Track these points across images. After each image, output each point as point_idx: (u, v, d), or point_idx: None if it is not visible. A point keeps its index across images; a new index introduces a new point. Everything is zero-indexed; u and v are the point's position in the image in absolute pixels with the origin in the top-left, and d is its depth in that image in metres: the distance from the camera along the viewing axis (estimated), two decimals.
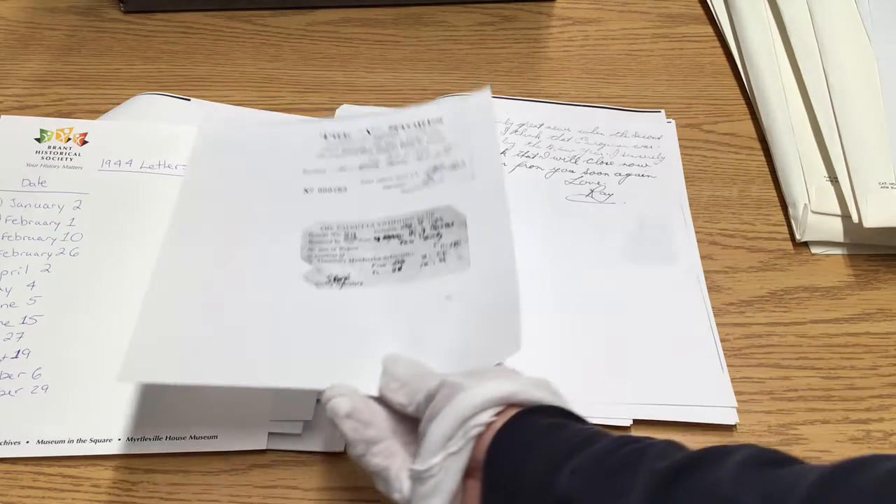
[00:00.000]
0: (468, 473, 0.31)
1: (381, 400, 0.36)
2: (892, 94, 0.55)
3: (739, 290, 0.49)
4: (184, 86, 0.60)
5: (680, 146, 0.56)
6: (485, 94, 0.52)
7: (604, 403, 0.43)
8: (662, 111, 0.59)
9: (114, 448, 0.41)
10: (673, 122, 0.58)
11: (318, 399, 0.40)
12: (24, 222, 0.50)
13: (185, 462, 0.41)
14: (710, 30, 0.67)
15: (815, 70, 0.57)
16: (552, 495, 0.28)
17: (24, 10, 0.66)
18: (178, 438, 0.41)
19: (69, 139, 0.54)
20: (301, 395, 0.43)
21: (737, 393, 0.44)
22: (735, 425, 0.43)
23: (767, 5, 0.64)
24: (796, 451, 0.42)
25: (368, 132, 0.51)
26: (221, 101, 0.59)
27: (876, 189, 0.50)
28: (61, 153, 0.53)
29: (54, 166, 0.53)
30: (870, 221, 0.49)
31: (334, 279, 0.44)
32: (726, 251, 0.51)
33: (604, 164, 0.55)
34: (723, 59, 0.64)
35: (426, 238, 0.45)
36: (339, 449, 0.42)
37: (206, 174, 0.49)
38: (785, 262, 0.51)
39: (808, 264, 0.51)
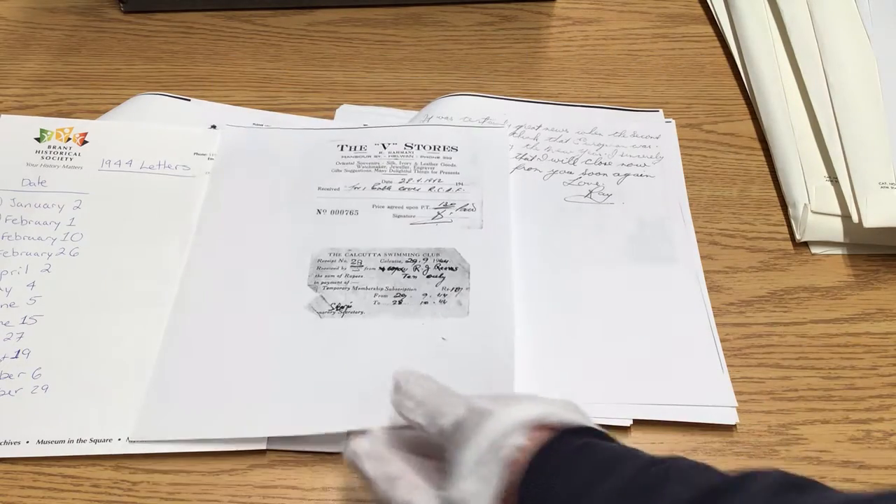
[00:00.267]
0: (502, 499, 0.30)
1: (391, 431, 0.35)
2: (892, 94, 0.55)
3: (739, 290, 0.49)
4: (184, 86, 0.60)
5: (680, 146, 0.56)
6: (501, 133, 0.54)
7: (604, 403, 0.43)
8: (661, 111, 0.59)
9: (114, 448, 0.41)
10: (672, 121, 0.58)
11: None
12: (24, 222, 0.50)
13: (185, 462, 0.41)
14: (710, 30, 0.67)
15: (815, 70, 0.57)
16: None
17: (24, 10, 0.66)
18: (178, 438, 0.41)
19: (69, 139, 0.54)
20: (299, 397, 0.43)
21: (737, 393, 0.44)
22: (735, 425, 0.43)
23: (767, 5, 0.64)
24: (796, 451, 0.42)
25: (384, 146, 0.53)
26: (221, 101, 0.59)
27: (876, 189, 0.50)
28: (61, 153, 0.53)
29: (54, 166, 0.53)
30: (870, 221, 0.49)
31: (337, 307, 0.45)
32: (726, 251, 0.51)
33: (602, 165, 0.55)
34: (723, 59, 0.64)
35: (429, 276, 0.47)
36: (339, 449, 0.42)
37: (227, 185, 0.52)
38: (785, 262, 0.51)
39: (808, 264, 0.51)
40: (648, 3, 0.69)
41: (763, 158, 0.57)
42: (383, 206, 0.51)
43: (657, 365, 0.45)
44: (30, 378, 0.43)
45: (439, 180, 0.52)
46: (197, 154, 0.54)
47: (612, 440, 0.33)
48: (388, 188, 0.52)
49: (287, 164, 0.53)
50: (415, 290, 0.47)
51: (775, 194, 0.55)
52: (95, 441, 0.41)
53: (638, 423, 0.43)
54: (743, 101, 0.61)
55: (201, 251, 0.49)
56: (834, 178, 0.52)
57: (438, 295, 0.46)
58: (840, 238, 0.51)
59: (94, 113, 0.58)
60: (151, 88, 0.60)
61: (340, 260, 0.48)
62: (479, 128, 0.56)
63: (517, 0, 0.68)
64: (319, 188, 0.52)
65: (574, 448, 0.31)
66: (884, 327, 0.48)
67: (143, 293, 0.47)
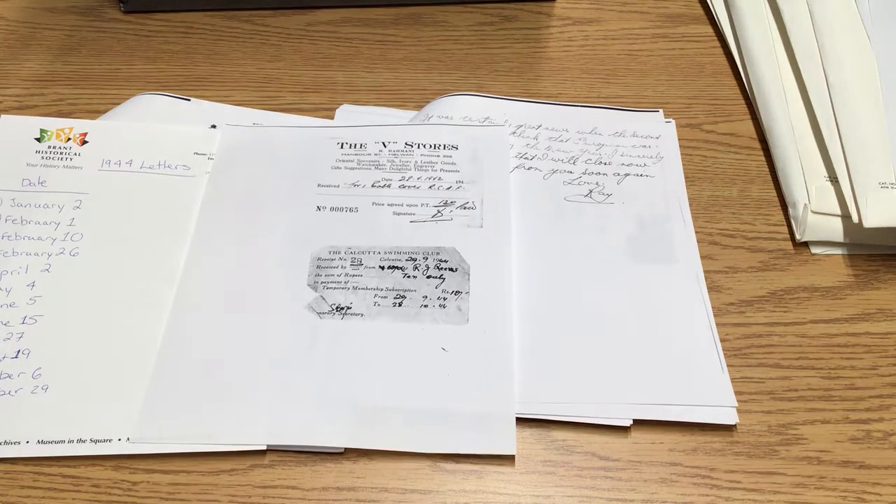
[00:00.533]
0: None
1: None
2: (892, 94, 0.55)
3: (739, 290, 0.49)
4: (184, 86, 0.60)
5: (680, 146, 0.56)
6: (502, 131, 0.54)
7: (604, 403, 0.43)
8: (661, 111, 0.59)
9: (114, 448, 0.41)
10: (672, 121, 0.58)
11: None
12: (24, 222, 0.50)
13: (185, 462, 0.41)
14: (710, 30, 0.67)
15: (815, 70, 0.57)
16: None
17: (24, 10, 0.66)
18: (178, 438, 0.41)
19: (69, 139, 0.54)
20: (299, 398, 0.43)
21: (737, 393, 0.44)
22: (735, 425, 0.43)
23: (767, 5, 0.64)
24: (796, 451, 0.42)
25: (384, 145, 0.53)
26: (221, 101, 0.59)
27: (876, 189, 0.50)
28: (61, 153, 0.53)
29: (54, 166, 0.53)
30: (870, 221, 0.49)
31: (337, 308, 0.46)
32: (726, 251, 0.51)
33: (602, 165, 0.55)
34: (723, 59, 0.64)
35: (429, 277, 0.47)
36: (339, 449, 0.42)
37: (227, 184, 0.52)
38: (785, 262, 0.51)
39: (808, 264, 0.51)
40: (648, 3, 0.69)
41: (763, 158, 0.57)
42: (383, 204, 0.51)
43: (657, 365, 0.45)
44: (30, 378, 0.43)
45: (439, 178, 0.52)
46: (197, 154, 0.54)
47: None
48: (388, 186, 0.52)
49: (287, 162, 0.53)
50: (415, 291, 0.47)
51: (775, 194, 0.55)
52: (95, 441, 0.41)
53: (638, 423, 0.43)
54: (743, 101, 0.61)
55: (201, 251, 0.49)
56: (834, 178, 0.52)
57: (438, 298, 0.46)
58: (840, 238, 0.51)
59: (94, 113, 0.58)
60: (151, 88, 0.60)
61: (340, 258, 0.48)
62: (479, 126, 0.56)
63: (517, 0, 0.68)
64: (319, 185, 0.52)
65: None
66: (884, 327, 0.48)
67: (142, 293, 0.47)
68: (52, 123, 0.55)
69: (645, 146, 0.56)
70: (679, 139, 0.57)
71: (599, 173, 0.54)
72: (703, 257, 0.50)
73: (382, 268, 0.48)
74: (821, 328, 0.48)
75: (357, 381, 0.43)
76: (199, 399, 0.43)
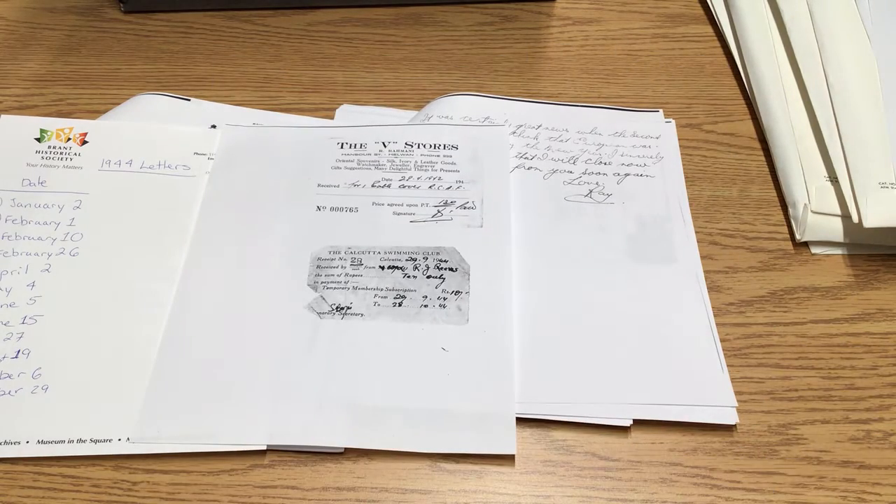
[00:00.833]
0: None
1: None
2: (892, 94, 0.55)
3: (739, 290, 0.49)
4: (184, 86, 0.60)
5: (680, 146, 0.56)
6: (502, 131, 0.54)
7: (604, 403, 0.43)
8: (661, 111, 0.59)
9: (114, 448, 0.41)
10: (672, 121, 0.58)
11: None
12: (24, 222, 0.50)
13: (185, 462, 0.41)
14: (710, 30, 0.67)
15: (815, 70, 0.57)
16: None
17: (24, 10, 0.66)
18: (178, 439, 0.41)
19: (69, 139, 0.54)
20: (299, 398, 0.43)
21: (737, 393, 0.44)
22: (735, 425, 0.43)
23: (767, 5, 0.64)
24: (796, 451, 0.42)
25: (384, 145, 0.53)
26: (221, 101, 0.59)
27: (876, 189, 0.50)
28: (61, 153, 0.53)
29: (54, 166, 0.53)
30: (870, 221, 0.49)
31: (337, 308, 0.46)
32: (726, 251, 0.51)
33: (602, 165, 0.55)
34: (723, 59, 0.64)
35: (429, 277, 0.47)
36: (339, 449, 0.42)
37: (226, 184, 0.52)
38: (785, 262, 0.51)
39: (808, 264, 0.51)
40: (648, 3, 0.69)
41: (763, 158, 0.57)
42: (383, 204, 0.51)
43: (657, 365, 0.45)
44: (30, 378, 0.43)
45: (439, 178, 0.52)
46: (197, 154, 0.54)
47: None
48: (388, 186, 0.52)
49: (287, 162, 0.53)
50: (415, 291, 0.47)
51: (775, 194, 0.55)
52: (95, 441, 0.41)
53: (638, 423, 0.43)
54: (743, 101, 0.61)
55: (201, 250, 0.49)
56: (834, 178, 0.52)
57: (438, 298, 0.46)
58: (840, 238, 0.51)
59: (94, 113, 0.58)
60: (151, 88, 0.60)
61: (340, 258, 0.48)
62: (479, 126, 0.56)
63: (517, 0, 0.68)
64: (319, 185, 0.52)
65: None
66: (884, 327, 0.48)
67: (143, 293, 0.47)
68: (52, 123, 0.55)
69: (645, 146, 0.56)
70: (679, 139, 0.57)
71: (599, 173, 0.54)
72: (703, 257, 0.50)
73: (382, 268, 0.48)
74: (821, 328, 0.48)
75: (357, 381, 0.43)
76: (199, 399, 0.43)
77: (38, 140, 0.54)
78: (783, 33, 0.61)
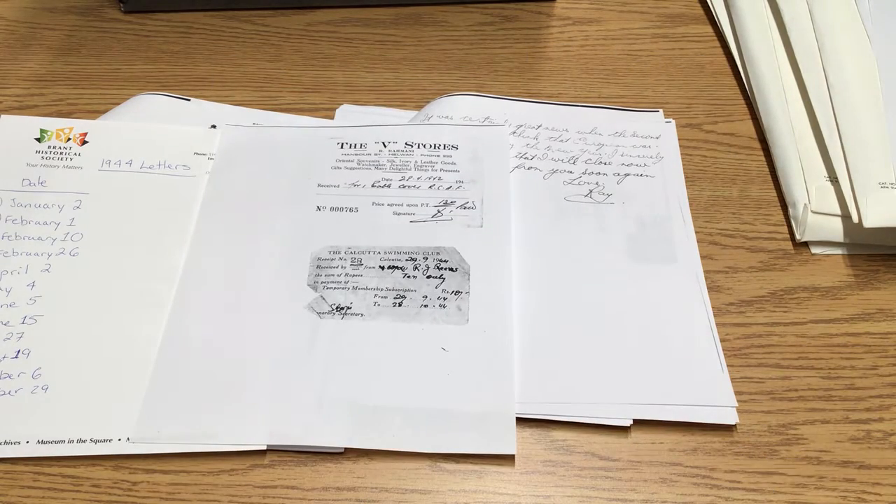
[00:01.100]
0: None
1: None
2: (892, 94, 0.55)
3: (739, 290, 0.49)
4: (184, 86, 0.60)
5: (680, 146, 0.56)
6: (502, 131, 0.54)
7: (604, 403, 0.43)
8: (661, 111, 0.59)
9: (114, 448, 0.41)
10: (672, 121, 0.58)
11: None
12: (24, 222, 0.50)
13: (185, 462, 0.41)
14: (710, 30, 0.67)
15: (815, 70, 0.57)
16: None
17: (24, 10, 0.66)
18: (177, 439, 0.41)
19: (69, 139, 0.54)
20: (300, 398, 0.43)
21: (737, 393, 0.44)
22: (735, 425, 0.43)
23: (767, 5, 0.64)
24: (796, 451, 0.42)
25: (384, 145, 0.53)
26: (221, 101, 0.59)
27: (876, 189, 0.50)
28: (61, 153, 0.53)
29: (54, 166, 0.53)
30: (870, 221, 0.49)
31: (337, 308, 0.46)
32: (726, 251, 0.51)
33: (602, 165, 0.55)
34: (723, 59, 0.64)
35: (429, 277, 0.47)
36: (339, 449, 0.42)
37: (226, 184, 0.52)
38: (785, 262, 0.51)
39: (808, 264, 0.51)
40: (648, 3, 0.69)
41: (763, 158, 0.57)
42: (383, 204, 0.51)
43: (657, 365, 0.45)
44: (30, 378, 0.43)
45: (439, 178, 0.52)
46: (197, 154, 0.54)
47: None
48: (388, 186, 0.52)
49: (287, 162, 0.53)
50: (415, 291, 0.47)
51: (775, 194, 0.55)
52: (95, 441, 0.41)
53: (638, 423, 0.43)
54: (743, 101, 0.61)
55: (201, 250, 0.49)
56: (834, 178, 0.52)
57: (438, 298, 0.46)
58: (840, 238, 0.51)
59: (94, 113, 0.58)
60: (151, 88, 0.60)
61: (340, 258, 0.48)
62: (479, 126, 0.56)
63: (517, 0, 0.68)
64: (319, 185, 0.52)
65: None
66: (884, 327, 0.48)
67: (143, 293, 0.47)
68: (52, 123, 0.55)
69: (645, 146, 0.56)
70: (679, 139, 0.57)
71: (599, 173, 0.54)
72: (703, 257, 0.50)
73: (382, 268, 0.48)
74: (821, 328, 0.48)
75: (357, 381, 0.43)
76: (198, 399, 0.43)
77: (38, 140, 0.54)
78: (783, 33, 0.61)
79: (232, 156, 0.54)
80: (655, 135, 0.57)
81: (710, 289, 0.49)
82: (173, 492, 0.41)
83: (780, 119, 0.56)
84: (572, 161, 0.55)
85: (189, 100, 0.58)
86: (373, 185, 0.52)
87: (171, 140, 0.55)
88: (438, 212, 0.51)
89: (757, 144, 0.58)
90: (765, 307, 0.49)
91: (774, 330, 0.48)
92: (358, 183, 0.52)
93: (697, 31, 0.66)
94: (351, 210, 0.51)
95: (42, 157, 0.53)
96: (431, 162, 0.53)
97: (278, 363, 0.44)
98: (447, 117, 0.57)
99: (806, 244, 0.52)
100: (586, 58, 0.64)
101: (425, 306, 0.46)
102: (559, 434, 0.43)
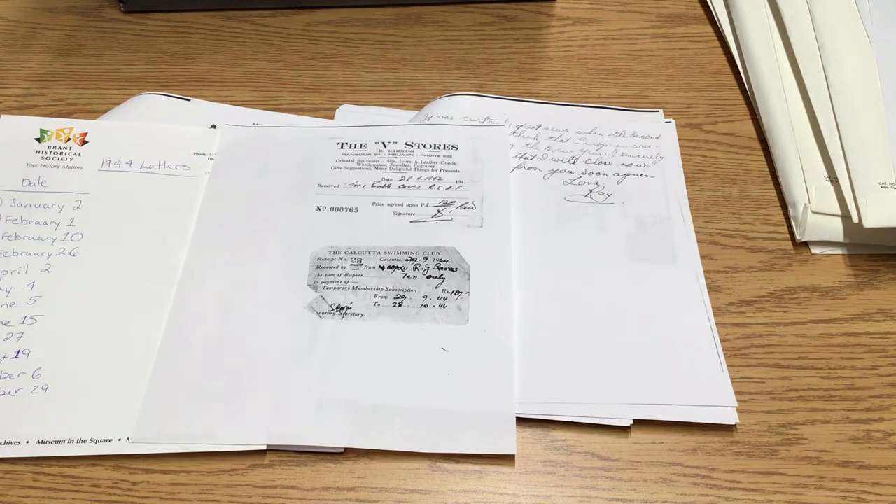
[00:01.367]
0: None
1: None
2: (892, 94, 0.55)
3: (739, 290, 0.49)
4: (184, 86, 0.60)
5: (680, 146, 0.56)
6: (502, 131, 0.54)
7: (604, 403, 0.43)
8: (661, 111, 0.59)
9: (114, 448, 0.41)
10: (672, 121, 0.58)
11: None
12: (24, 222, 0.50)
13: (185, 462, 0.41)
14: (710, 30, 0.67)
15: (815, 70, 0.57)
16: None
17: (24, 10, 0.66)
18: (177, 438, 0.41)
19: (69, 139, 0.54)
20: (299, 398, 0.43)
21: (737, 393, 0.44)
22: (735, 425, 0.43)
23: (767, 5, 0.64)
24: (796, 451, 0.42)
25: (384, 145, 0.53)
26: (221, 101, 0.59)
27: (876, 189, 0.50)
28: (61, 153, 0.53)
29: (54, 166, 0.53)
30: (870, 221, 0.49)
31: (337, 308, 0.46)
32: (726, 251, 0.51)
33: (602, 165, 0.55)
34: (723, 59, 0.64)
35: (429, 277, 0.47)
36: (339, 449, 0.42)
37: (226, 184, 0.52)
38: (785, 262, 0.51)
39: (808, 264, 0.51)
40: (648, 3, 0.69)
41: (763, 158, 0.57)
42: (383, 204, 0.51)
43: (657, 365, 0.45)
44: (30, 378, 0.43)
45: (439, 178, 0.52)
46: (197, 154, 0.54)
47: None
48: (388, 186, 0.52)
49: (287, 162, 0.53)
50: (415, 291, 0.47)
51: (775, 194, 0.55)
52: (95, 441, 0.41)
53: (638, 423, 0.43)
54: (743, 101, 0.61)
55: (201, 250, 0.49)
56: (834, 178, 0.52)
57: (438, 298, 0.46)
58: (840, 238, 0.51)
59: (94, 113, 0.58)
60: (151, 88, 0.60)
61: (340, 258, 0.48)
62: (479, 126, 0.56)
63: (517, 0, 0.68)
64: (319, 185, 0.52)
65: None
66: (884, 327, 0.48)
67: (143, 293, 0.47)
68: (52, 123, 0.55)
69: (645, 146, 0.56)
70: (679, 139, 0.57)
71: (599, 173, 0.54)
72: (703, 257, 0.50)
73: (382, 268, 0.48)
74: (821, 328, 0.48)
75: (357, 381, 0.43)
76: (198, 399, 0.43)
77: (38, 140, 0.54)
78: (783, 33, 0.61)
79: (232, 156, 0.54)
80: (655, 135, 0.57)
81: (710, 289, 0.49)
82: (173, 492, 0.41)
83: (780, 119, 0.56)
84: (572, 161, 0.55)
85: (189, 100, 0.58)
86: (373, 185, 0.52)
87: (171, 140, 0.54)
88: (438, 212, 0.51)
89: (757, 144, 0.58)
90: (765, 307, 0.49)
91: (774, 330, 0.48)
92: (358, 183, 0.52)
93: (697, 31, 0.66)
94: (351, 210, 0.51)
95: (42, 157, 0.53)
96: (431, 162, 0.53)
97: (278, 363, 0.44)
98: (447, 117, 0.57)
99: (806, 244, 0.52)
100: (586, 58, 0.64)
101: (425, 306, 0.46)
102: (559, 434, 0.43)
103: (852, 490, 0.41)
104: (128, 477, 0.41)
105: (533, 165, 0.55)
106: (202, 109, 0.58)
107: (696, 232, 0.51)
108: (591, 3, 0.69)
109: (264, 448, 0.41)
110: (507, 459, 0.42)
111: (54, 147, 0.54)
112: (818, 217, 0.51)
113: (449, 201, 0.51)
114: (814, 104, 0.56)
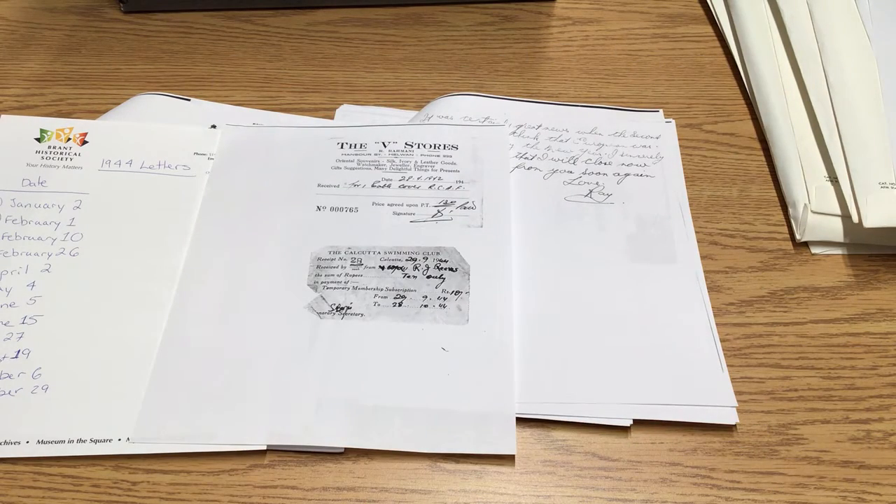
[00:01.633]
0: None
1: None
2: (892, 94, 0.55)
3: (739, 290, 0.49)
4: (184, 86, 0.60)
5: (680, 146, 0.57)
6: (502, 131, 0.54)
7: (604, 403, 0.43)
8: (660, 111, 0.59)
9: (114, 448, 0.41)
10: (672, 121, 0.58)
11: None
12: (24, 222, 0.50)
13: (185, 462, 0.41)
14: (710, 30, 0.67)
15: (815, 70, 0.57)
16: None
17: (24, 10, 0.66)
18: (177, 439, 0.41)
19: (69, 139, 0.54)
20: (299, 398, 0.43)
21: (737, 393, 0.44)
22: (735, 425, 0.43)
23: (767, 5, 0.64)
24: (796, 451, 0.42)
25: (384, 145, 0.53)
26: (221, 101, 0.59)
27: (876, 189, 0.50)
28: (61, 153, 0.53)
29: (54, 166, 0.53)
30: (870, 221, 0.49)
31: (337, 308, 0.46)
32: (726, 251, 0.51)
33: (602, 165, 0.55)
34: (723, 59, 0.64)
35: (429, 277, 0.47)
36: (339, 449, 0.42)
37: (226, 184, 0.53)
38: (785, 262, 0.51)
39: (808, 264, 0.51)
40: (648, 3, 0.69)
41: (763, 158, 0.57)
42: (383, 204, 0.51)
43: (657, 365, 0.45)
44: (30, 378, 0.43)
45: (439, 178, 0.52)
46: (197, 154, 0.54)
47: None
48: (388, 186, 0.52)
49: (287, 162, 0.53)
50: (415, 291, 0.47)
51: (775, 194, 0.55)
52: (95, 441, 0.41)
53: (638, 423, 0.43)
54: (743, 101, 0.61)
55: (201, 251, 0.49)
56: (834, 178, 0.52)
57: (438, 298, 0.46)
58: (840, 238, 0.51)
59: (94, 113, 0.58)
60: (151, 88, 0.60)
61: (340, 258, 0.48)
62: (479, 126, 0.56)
63: (517, 0, 0.68)
64: (319, 185, 0.52)
65: None
66: (884, 327, 0.48)
67: (143, 293, 0.47)
68: (52, 123, 0.55)
69: (645, 146, 0.56)
70: (679, 139, 0.57)
71: (599, 173, 0.54)
72: (703, 257, 0.50)
73: (382, 268, 0.48)
74: (821, 328, 0.48)
75: (357, 381, 0.43)
76: (199, 399, 0.43)
77: (38, 140, 0.54)
78: (783, 33, 0.61)
79: (232, 156, 0.54)
80: (655, 135, 0.57)
81: (710, 289, 0.49)
82: (173, 492, 0.41)
83: (780, 119, 0.56)
84: (572, 161, 0.55)
85: (189, 100, 0.58)
86: (373, 185, 0.52)
87: (171, 140, 0.54)
88: (438, 212, 0.51)
89: (757, 144, 0.58)
90: (765, 307, 0.49)
91: (774, 330, 0.48)
92: (358, 183, 0.52)
93: (697, 31, 0.66)
94: (351, 210, 0.51)
95: (42, 157, 0.53)
96: (431, 162, 0.53)
97: (278, 363, 0.44)
98: (447, 117, 0.57)
99: (806, 244, 0.52)
100: (586, 58, 0.64)
101: (425, 306, 0.46)
102: (559, 434, 0.43)
103: (852, 490, 0.41)
104: (128, 477, 0.41)
105: (533, 165, 0.55)
106: (202, 109, 0.58)
107: (696, 232, 0.51)
108: (591, 3, 0.69)
109: (264, 448, 0.41)
110: (507, 459, 0.42)
111: (54, 147, 0.54)
112: (818, 217, 0.51)
113: (449, 201, 0.51)
114: (814, 104, 0.56)
